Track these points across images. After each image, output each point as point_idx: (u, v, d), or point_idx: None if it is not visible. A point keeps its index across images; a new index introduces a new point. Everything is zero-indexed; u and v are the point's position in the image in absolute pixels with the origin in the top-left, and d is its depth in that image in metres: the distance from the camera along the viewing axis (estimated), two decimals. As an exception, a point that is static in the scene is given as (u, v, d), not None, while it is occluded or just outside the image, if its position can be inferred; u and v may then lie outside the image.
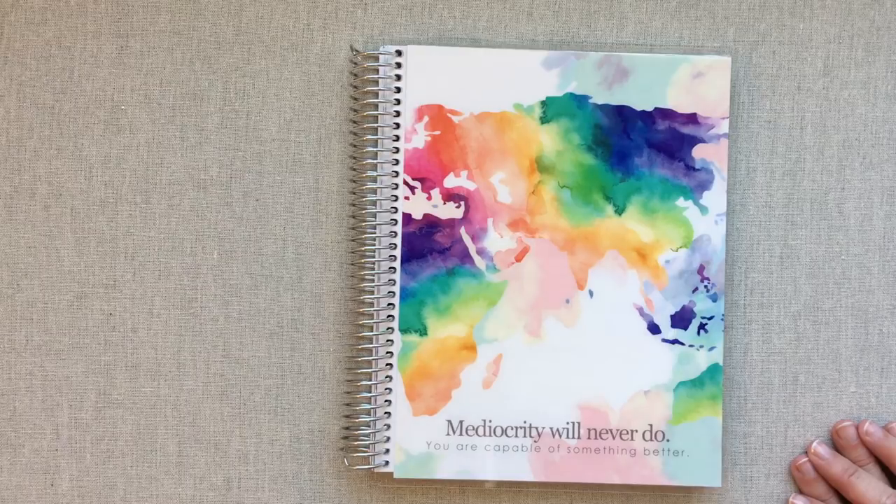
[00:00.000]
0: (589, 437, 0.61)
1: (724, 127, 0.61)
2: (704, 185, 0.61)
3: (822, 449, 0.61)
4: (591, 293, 0.61)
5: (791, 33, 0.63)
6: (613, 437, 0.61)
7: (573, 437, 0.61)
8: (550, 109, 0.62)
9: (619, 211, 0.62)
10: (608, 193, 0.61)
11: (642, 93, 0.61)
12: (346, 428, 0.62)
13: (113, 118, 0.64)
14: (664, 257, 0.61)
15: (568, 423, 0.61)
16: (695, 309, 0.61)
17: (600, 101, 0.62)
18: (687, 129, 0.61)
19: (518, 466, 0.61)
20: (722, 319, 0.61)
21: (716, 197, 0.61)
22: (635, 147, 0.61)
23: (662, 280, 0.61)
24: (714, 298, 0.61)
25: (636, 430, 0.61)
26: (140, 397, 0.64)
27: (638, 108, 0.61)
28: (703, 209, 0.61)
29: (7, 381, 0.64)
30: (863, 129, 0.62)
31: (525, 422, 0.61)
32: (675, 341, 0.61)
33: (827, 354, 0.63)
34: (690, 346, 0.61)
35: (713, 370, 0.61)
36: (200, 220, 0.63)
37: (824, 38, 0.62)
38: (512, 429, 0.61)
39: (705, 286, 0.61)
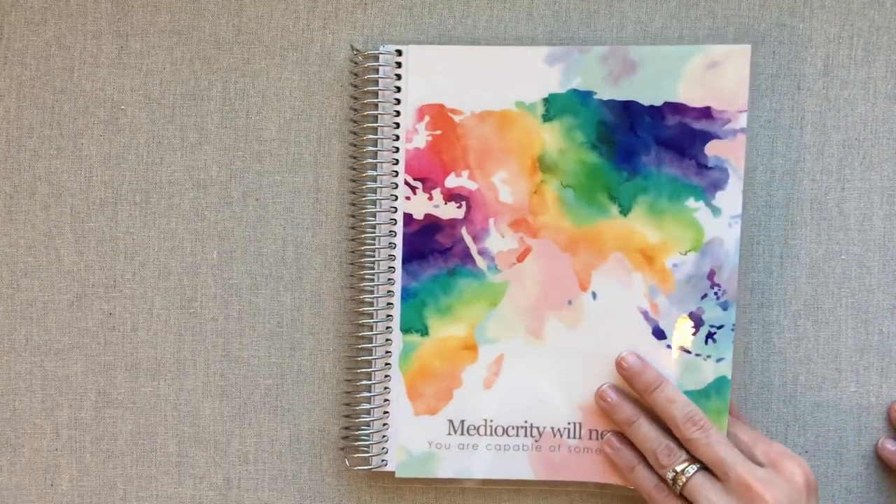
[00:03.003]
0: (590, 438, 0.61)
1: (741, 121, 0.58)
2: (718, 185, 0.59)
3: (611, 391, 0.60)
4: (594, 295, 0.60)
5: (791, 33, 0.63)
6: None
7: (574, 437, 0.61)
8: (553, 107, 0.60)
9: (625, 211, 0.60)
10: (613, 193, 0.60)
11: (651, 86, 0.59)
12: (347, 428, 0.62)
13: (113, 118, 0.64)
14: (672, 260, 0.59)
15: (569, 424, 0.61)
16: (703, 316, 0.59)
17: (605, 97, 0.59)
18: (700, 125, 0.59)
19: (519, 465, 0.61)
20: (732, 330, 0.59)
21: (730, 197, 0.59)
22: (642, 144, 0.59)
23: (669, 284, 0.59)
24: (725, 307, 0.59)
25: None
26: (140, 397, 0.64)
27: (646, 102, 0.59)
28: (716, 210, 0.59)
29: (7, 381, 0.64)
30: (863, 129, 0.62)
31: (526, 421, 0.61)
32: (680, 349, 0.60)
33: (827, 354, 0.63)
34: (697, 355, 0.59)
35: (720, 383, 0.59)
36: (200, 220, 0.63)
37: (824, 38, 0.62)
38: (513, 428, 0.61)
39: (715, 293, 0.59)
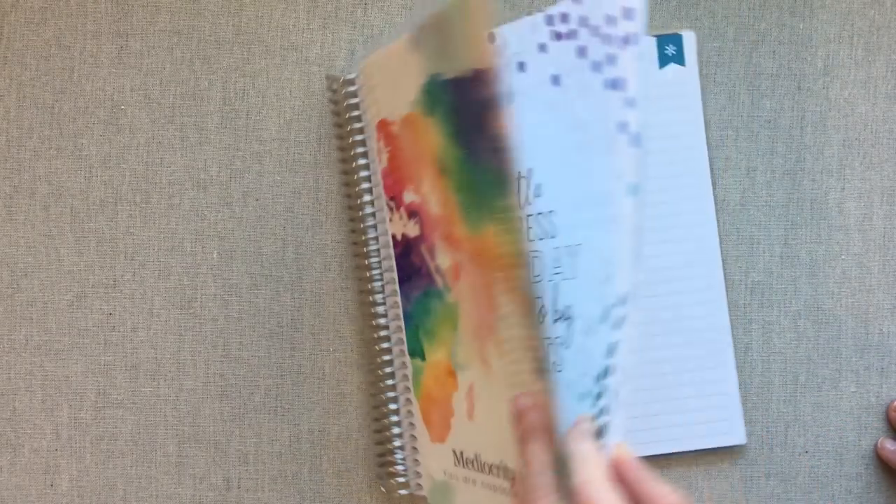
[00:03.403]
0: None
1: (502, 82, 0.42)
2: (514, 176, 0.43)
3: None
4: (505, 319, 0.48)
5: (791, 33, 0.63)
6: None
7: None
8: (428, 98, 0.49)
9: (484, 218, 0.47)
10: (477, 194, 0.47)
11: (456, 54, 0.45)
12: (381, 455, 0.61)
13: (113, 118, 0.64)
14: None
15: None
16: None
17: (450, 75, 0.47)
18: (479, 94, 0.43)
19: None
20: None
21: (522, 194, 0.45)
22: (473, 129, 0.46)
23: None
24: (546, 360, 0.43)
25: None
26: (140, 397, 0.64)
27: (455, 75, 0.46)
28: (522, 210, 0.46)
29: (7, 381, 0.64)
30: (863, 129, 0.62)
31: (502, 461, 0.50)
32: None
33: (827, 354, 0.63)
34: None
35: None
36: (200, 220, 0.63)
37: (824, 38, 0.62)
38: (496, 468, 0.51)
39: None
